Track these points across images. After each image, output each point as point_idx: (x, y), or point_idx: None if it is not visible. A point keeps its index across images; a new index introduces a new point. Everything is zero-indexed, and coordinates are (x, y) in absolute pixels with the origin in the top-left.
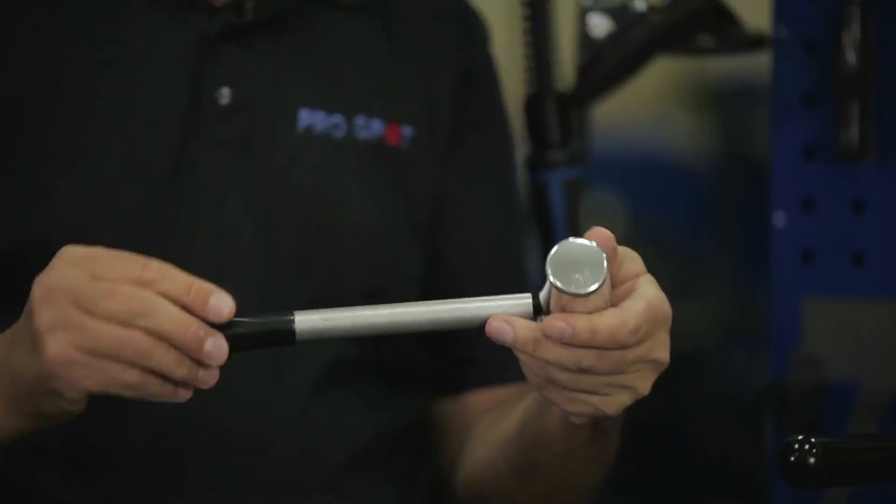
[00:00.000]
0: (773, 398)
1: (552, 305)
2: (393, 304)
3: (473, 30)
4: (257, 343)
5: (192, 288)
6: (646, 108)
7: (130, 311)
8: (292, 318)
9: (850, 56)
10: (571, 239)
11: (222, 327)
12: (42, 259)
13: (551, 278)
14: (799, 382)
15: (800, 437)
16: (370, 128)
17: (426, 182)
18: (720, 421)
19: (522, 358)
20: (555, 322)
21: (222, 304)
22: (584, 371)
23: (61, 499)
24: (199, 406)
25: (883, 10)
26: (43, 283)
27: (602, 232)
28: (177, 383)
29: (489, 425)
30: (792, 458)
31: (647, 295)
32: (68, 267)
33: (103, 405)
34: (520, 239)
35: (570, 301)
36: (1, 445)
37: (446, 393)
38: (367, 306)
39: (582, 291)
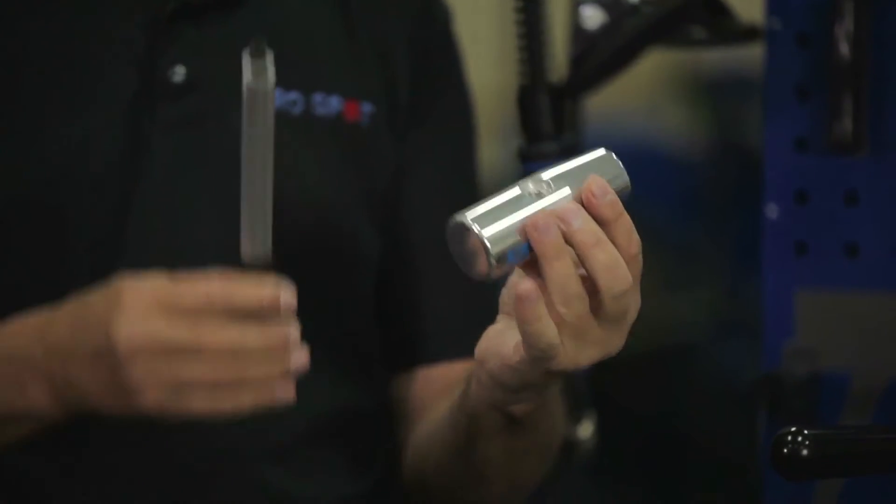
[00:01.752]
0: (766, 390)
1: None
2: None
3: (432, 8)
4: None
5: (262, 297)
6: (639, 99)
7: (221, 354)
8: None
9: (843, 48)
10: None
11: None
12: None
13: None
14: (791, 374)
15: (792, 430)
16: (328, 104)
17: (385, 158)
18: (713, 413)
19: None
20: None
21: (290, 295)
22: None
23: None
24: None
25: (876, 1)
26: (127, 339)
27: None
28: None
29: (434, 405)
30: (784, 451)
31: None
32: (145, 315)
33: None
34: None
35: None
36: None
37: (401, 369)
38: None
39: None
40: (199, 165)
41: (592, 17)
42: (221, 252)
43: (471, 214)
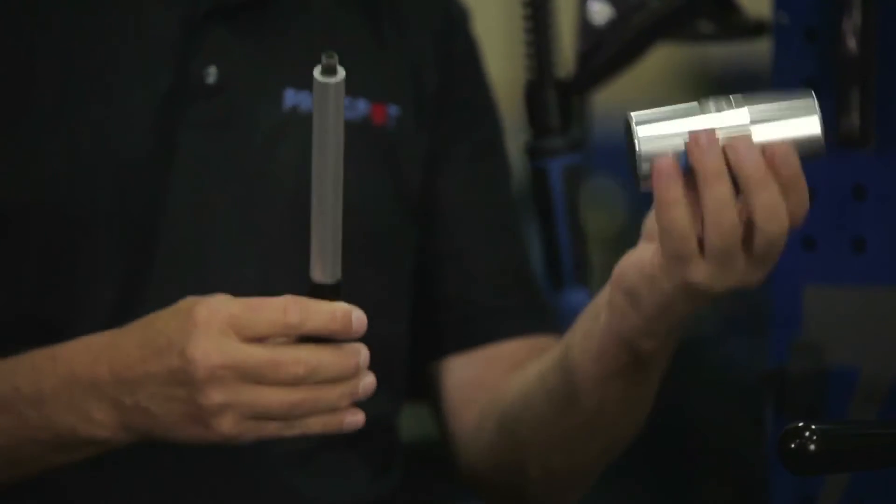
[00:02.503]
0: (773, 385)
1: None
2: None
3: (453, 12)
4: None
5: (336, 318)
6: (646, 95)
7: (298, 377)
8: None
9: (851, 42)
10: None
11: None
12: (19, 226)
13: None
14: (799, 369)
15: (799, 424)
16: (355, 108)
17: (413, 159)
18: (720, 408)
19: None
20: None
21: (362, 319)
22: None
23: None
24: None
25: None
26: (203, 362)
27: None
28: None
29: (525, 368)
30: (792, 445)
31: None
32: (220, 337)
33: None
34: (514, 207)
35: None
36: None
37: (455, 353)
38: None
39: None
40: (227, 165)
41: (600, 12)
42: (248, 252)
43: (638, 113)
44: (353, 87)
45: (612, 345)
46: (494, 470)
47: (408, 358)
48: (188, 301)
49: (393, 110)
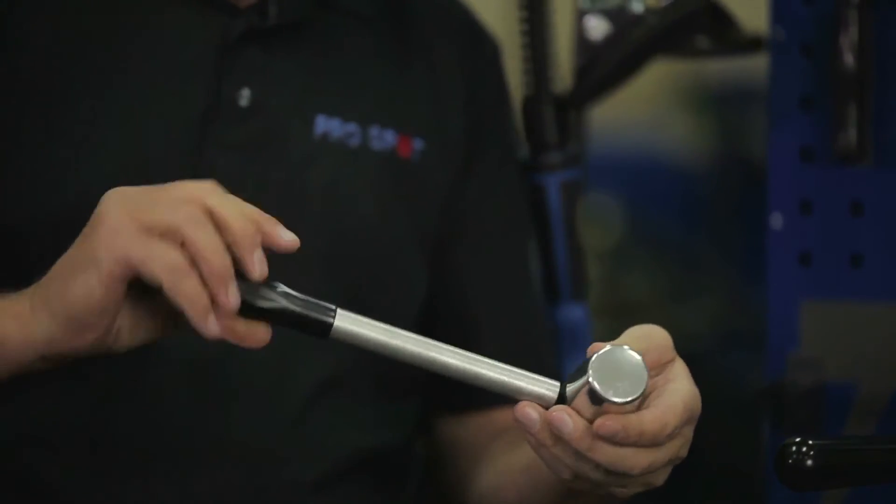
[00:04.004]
0: (770, 400)
1: (579, 402)
2: (430, 341)
3: (484, 47)
4: (292, 319)
5: (252, 215)
6: (643, 110)
7: (180, 219)
8: (334, 310)
9: (848, 58)
10: (615, 346)
11: (262, 294)
12: (51, 241)
13: (594, 383)
14: (796, 384)
15: (797, 440)
16: (384, 139)
17: (435, 197)
18: (717, 423)
19: (565, 457)
20: (608, 422)
21: (293, 238)
22: (621, 471)
23: (61, 488)
24: (201, 409)
25: (880, 12)
26: (104, 198)
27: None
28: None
29: (500, 452)
30: (789, 461)
31: (683, 392)
32: (126, 191)
33: (103, 395)
34: (529, 265)
35: (607, 405)
36: (31, 367)
37: (454, 412)
38: (405, 332)
39: (620, 400)
40: (258, 188)
41: (597, 27)
42: (275, 276)
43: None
44: (382, 118)
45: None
46: None
47: (417, 387)
48: None
49: (418, 144)
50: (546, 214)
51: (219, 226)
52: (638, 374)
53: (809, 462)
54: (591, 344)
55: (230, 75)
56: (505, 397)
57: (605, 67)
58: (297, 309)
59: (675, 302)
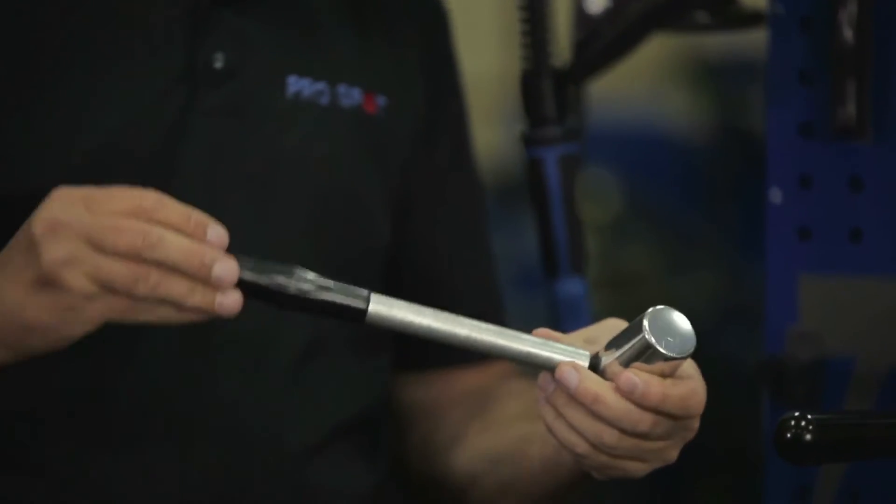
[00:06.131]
0: (769, 375)
1: (608, 370)
2: (465, 319)
3: (436, 16)
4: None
5: (190, 218)
6: (642, 84)
7: (138, 246)
8: (367, 296)
9: (847, 33)
10: (663, 307)
11: (295, 283)
12: (32, 210)
13: (649, 337)
14: (795, 359)
15: (795, 414)
16: (351, 96)
17: (398, 153)
18: (715, 397)
19: (577, 418)
20: (630, 376)
21: (220, 234)
22: (637, 435)
23: (51, 463)
24: (188, 381)
25: None
26: (44, 220)
27: None
28: (196, 311)
29: (476, 433)
30: (788, 435)
31: (696, 368)
32: (67, 204)
33: (92, 371)
34: (486, 224)
35: (651, 366)
36: None
37: (414, 371)
38: (432, 309)
39: (674, 354)
40: (235, 151)
41: (596, 1)
42: (255, 237)
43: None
44: (348, 76)
45: (561, 468)
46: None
47: (388, 343)
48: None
49: (381, 101)
50: (545, 188)
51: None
52: (688, 336)
53: (808, 436)
54: (589, 318)
55: (204, 39)
56: (471, 357)
57: (604, 41)
58: (331, 297)
59: (673, 275)
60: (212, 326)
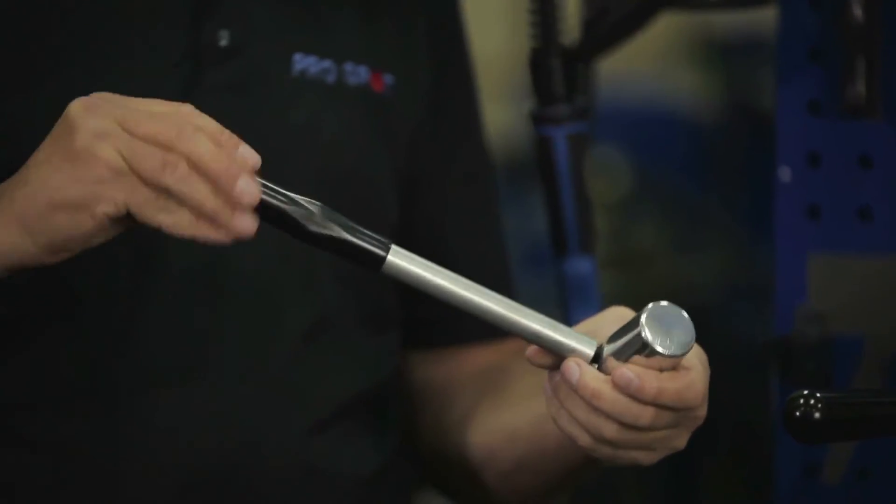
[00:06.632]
0: (778, 353)
1: (610, 362)
2: (480, 287)
3: None
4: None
5: (223, 132)
6: (651, 63)
7: (172, 135)
8: (388, 244)
9: (857, 10)
10: (664, 302)
11: (318, 221)
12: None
13: (645, 334)
14: (804, 337)
15: (804, 393)
16: (358, 74)
17: (405, 132)
18: (724, 376)
19: (578, 412)
20: (625, 372)
21: (251, 154)
22: (638, 428)
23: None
24: (195, 351)
25: None
26: (82, 101)
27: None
28: (211, 224)
29: (491, 409)
30: (797, 413)
31: (701, 358)
32: (106, 95)
33: (97, 342)
34: (496, 200)
35: (649, 360)
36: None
37: (428, 348)
38: (457, 276)
39: (669, 353)
40: (241, 129)
41: None
42: None
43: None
44: (355, 54)
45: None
46: (443, 465)
47: (396, 320)
48: None
49: (389, 79)
50: (553, 167)
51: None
52: (687, 332)
53: (817, 415)
54: (597, 296)
55: (209, 17)
56: (485, 334)
57: (613, 20)
58: (352, 238)
59: (681, 254)
60: (217, 300)
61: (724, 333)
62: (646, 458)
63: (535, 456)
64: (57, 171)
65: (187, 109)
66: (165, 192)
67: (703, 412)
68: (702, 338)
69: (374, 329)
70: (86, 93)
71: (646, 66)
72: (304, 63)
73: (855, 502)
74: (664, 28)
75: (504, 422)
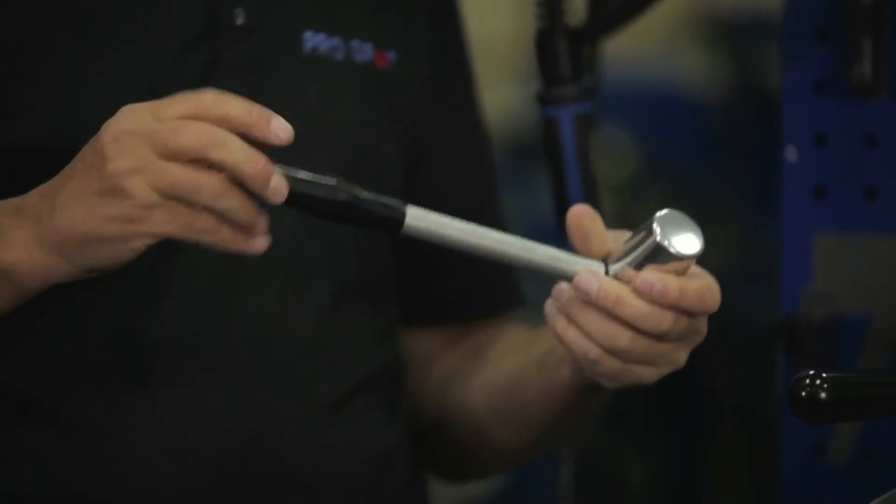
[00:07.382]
0: (784, 333)
1: (622, 275)
2: (490, 232)
3: None
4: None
5: (252, 110)
6: (657, 42)
7: (202, 143)
8: (404, 207)
9: None
10: (668, 210)
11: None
12: (55, 167)
13: (660, 238)
14: (810, 318)
15: (810, 372)
16: (363, 51)
17: (408, 108)
18: (731, 356)
19: (591, 325)
20: (648, 276)
21: (284, 125)
22: (654, 336)
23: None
24: (219, 326)
25: None
26: (111, 131)
27: None
28: (246, 234)
29: (471, 371)
30: (802, 393)
31: (706, 273)
32: (133, 114)
33: (124, 319)
34: (495, 180)
35: (664, 266)
36: (26, 295)
37: (432, 322)
38: (467, 224)
39: (687, 253)
40: None
41: None
42: None
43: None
44: (360, 31)
45: (578, 387)
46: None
47: (397, 295)
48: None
49: (392, 56)
50: (559, 148)
51: (234, 125)
52: (694, 229)
53: (823, 395)
54: None
55: None
56: (485, 310)
57: (619, 0)
58: (373, 203)
59: None
60: (243, 276)
61: (730, 313)
62: (648, 374)
63: (517, 406)
64: (91, 209)
65: (210, 99)
66: (203, 211)
67: (705, 328)
68: (708, 318)
69: (389, 302)
70: (104, 73)
71: (651, 46)
72: (315, 41)
73: (861, 482)
74: (670, 8)
75: (484, 380)
